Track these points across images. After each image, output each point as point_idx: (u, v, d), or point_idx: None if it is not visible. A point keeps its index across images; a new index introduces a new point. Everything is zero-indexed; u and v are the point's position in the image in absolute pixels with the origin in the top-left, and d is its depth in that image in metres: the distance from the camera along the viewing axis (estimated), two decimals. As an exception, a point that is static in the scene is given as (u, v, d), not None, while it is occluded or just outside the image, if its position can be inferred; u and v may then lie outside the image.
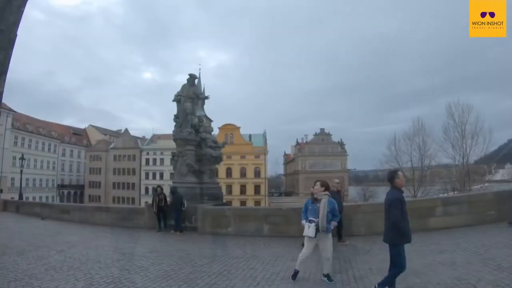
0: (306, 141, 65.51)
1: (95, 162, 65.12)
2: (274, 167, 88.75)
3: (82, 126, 77.17)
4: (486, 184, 31.08)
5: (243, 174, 57.74)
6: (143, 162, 62.02)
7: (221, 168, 57.56)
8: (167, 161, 49.79)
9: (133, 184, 61.73)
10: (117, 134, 76.31)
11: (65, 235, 9.88)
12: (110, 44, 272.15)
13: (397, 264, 4.15)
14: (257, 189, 57.17)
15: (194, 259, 6.50)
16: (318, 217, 4.71)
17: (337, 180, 8.11)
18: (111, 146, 65.43)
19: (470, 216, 8.31)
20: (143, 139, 67.10)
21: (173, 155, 12.87)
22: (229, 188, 57.09)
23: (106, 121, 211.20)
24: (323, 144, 63.38)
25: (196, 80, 13.37)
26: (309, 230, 4.70)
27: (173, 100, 12.69)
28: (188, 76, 12.76)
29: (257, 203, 55.74)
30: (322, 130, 65.04)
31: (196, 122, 12.79)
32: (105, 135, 74.82)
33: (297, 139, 68.04)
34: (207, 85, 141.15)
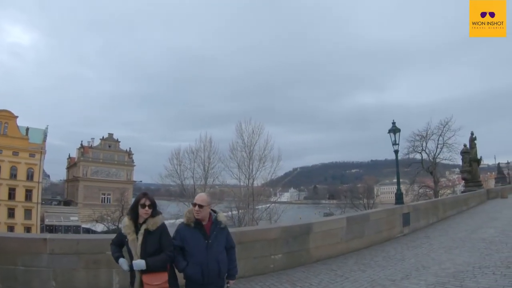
0: (92, 145, 59.00)
1: None
2: (61, 170, 78.28)
3: None
4: (272, 205, 32.59)
5: (13, 175, 49.35)
6: None
7: (-13, 166, 48.42)
8: None
9: None
10: None
11: None
12: None
13: None
14: (28, 194, 50.36)
15: None
16: None
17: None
18: None
19: (245, 263, 5.29)
20: None
21: None
22: (-5, 191, 49.89)
23: None
24: (110, 151, 58.95)
25: None
26: None
27: None
28: None
29: (28, 211, 51.64)
30: (110, 135, 59.98)
31: None
32: None
33: (81, 141, 60.06)
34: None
